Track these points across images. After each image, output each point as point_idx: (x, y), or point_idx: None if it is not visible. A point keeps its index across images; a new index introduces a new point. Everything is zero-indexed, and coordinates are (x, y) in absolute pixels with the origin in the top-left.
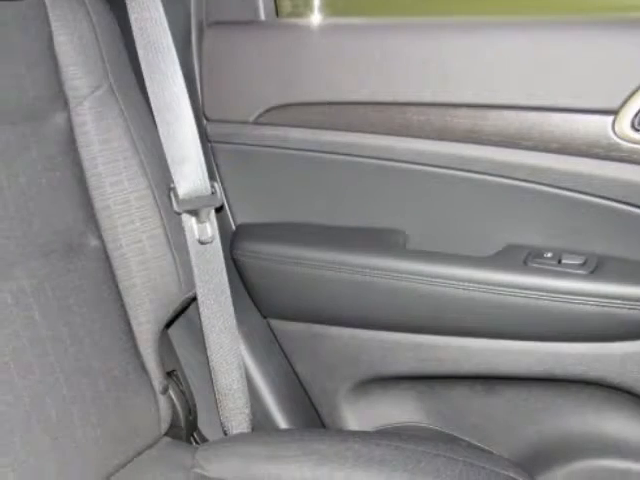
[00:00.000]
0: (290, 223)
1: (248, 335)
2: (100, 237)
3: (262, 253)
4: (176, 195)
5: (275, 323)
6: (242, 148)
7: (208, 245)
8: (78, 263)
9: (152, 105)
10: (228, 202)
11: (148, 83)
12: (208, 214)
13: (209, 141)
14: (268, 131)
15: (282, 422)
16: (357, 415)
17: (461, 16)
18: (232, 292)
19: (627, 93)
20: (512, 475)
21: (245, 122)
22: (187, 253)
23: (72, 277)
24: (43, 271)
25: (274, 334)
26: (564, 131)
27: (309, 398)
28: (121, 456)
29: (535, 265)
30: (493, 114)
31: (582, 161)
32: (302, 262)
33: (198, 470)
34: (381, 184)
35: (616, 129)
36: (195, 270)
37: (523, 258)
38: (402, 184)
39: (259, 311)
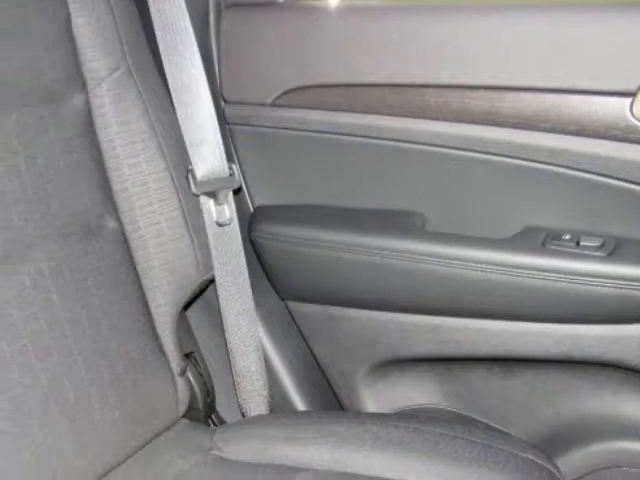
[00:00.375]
0: (308, 205)
1: (266, 317)
2: (118, 219)
3: (280, 235)
4: (194, 177)
5: (293, 305)
6: (260, 130)
7: (226, 227)
8: (96, 245)
9: (170, 87)
10: (246, 184)
11: (166, 65)
12: (226, 196)
13: (227, 123)
14: (286, 113)
15: (300, 404)
16: (375, 397)
17: None
18: (250, 274)
19: None
20: (530, 457)
21: (263, 104)
22: (205, 235)
23: (90, 259)
24: (61, 253)
25: (292, 316)
26: (582, 113)
27: (327, 380)
28: (139, 438)
29: (553, 247)
30: (511, 96)
31: (600, 143)
32: (320, 244)
33: (216, 452)
34: (399, 166)
35: (634, 111)
36: (213, 252)
37: (541, 240)
38: (420, 166)
39: (277, 293)
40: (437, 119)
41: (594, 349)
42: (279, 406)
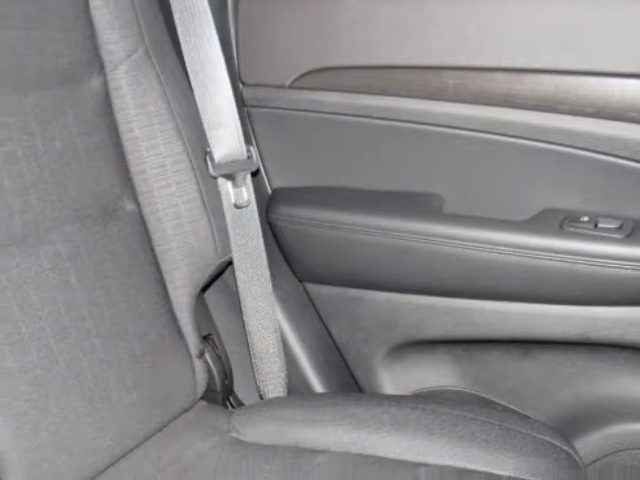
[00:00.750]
0: (326, 187)
1: (284, 299)
2: (136, 201)
3: (298, 217)
4: (212, 159)
5: (311, 287)
6: (278, 112)
7: (244, 209)
8: (114, 227)
9: (188, 69)
10: (264, 166)
11: (184, 47)
12: (244, 178)
13: (245, 105)
14: (304, 95)
15: (318, 386)
16: (393, 379)
17: None
18: (268, 256)
19: None
20: (548, 439)
21: (281, 86)
22: (223, 217)
23: (108, 242)
24: (79, 235)
25: (310, 298)
26: (600, 95)
27: (345, 362)
28: (157, 420)
29: (571, 229)
30: (529, 78)
31: (618, 125)
32: (338, 226)
33: (234, 434)
34: (417, 148)
35: None
36: (231, 234)
37: (559, 222)
38: (438, 148)
39: (295, 275)
40: (455, 101)
41: (612, 331)
42: (297, 388)
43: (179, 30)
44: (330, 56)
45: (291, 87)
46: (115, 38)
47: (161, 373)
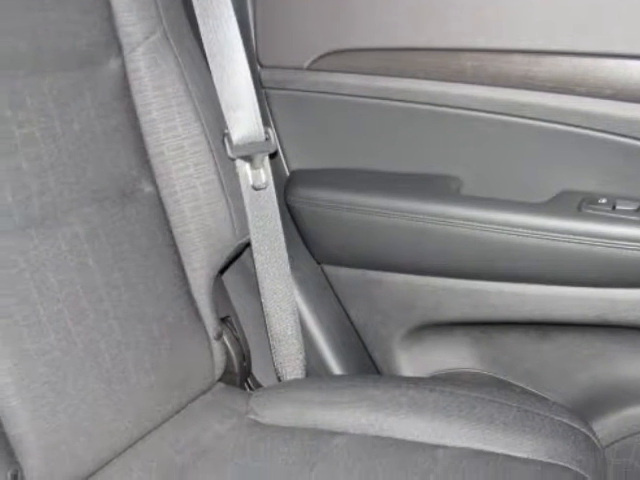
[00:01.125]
0: (344, 169)
1: (302, 281)
2: (154, 183)
3: (316, 199)
4: (230, 141)
5: (329, 269)
6: (296, 94)
7: (262, 191)
8: (132, 209)
9: (206, 51)
10: (282, 148)
11: (202, 29)
12: (262, 160)
13: (263, 87)
14: (322, 77)
15: (336, 368)
16: (411, 361)
17: None
18: (286, 238)
19: None
20: (566, 421)
21: (299, 68)
22: (241, 199)
23: (126, 223)
24: (97, 217)
25: (328, 280)
26: (618, 77)
27: (363, 344)
28: (175, 402)
29: (589, 211)
30: (547, 60)
31: (636, 107)
32: (356, 208)
33: (252, 416)
34: (435, 130)
35: None
36: (249, 216)
37: (577, 204)
38: (456, 130)
39: (313, 257)
40: (473, 83)
41: (630, 313)
42: (315, 370)
43: (197, 12)
44: (348, 38)
45: (309, 69)
46: (133, 20)
47: (179, 355)
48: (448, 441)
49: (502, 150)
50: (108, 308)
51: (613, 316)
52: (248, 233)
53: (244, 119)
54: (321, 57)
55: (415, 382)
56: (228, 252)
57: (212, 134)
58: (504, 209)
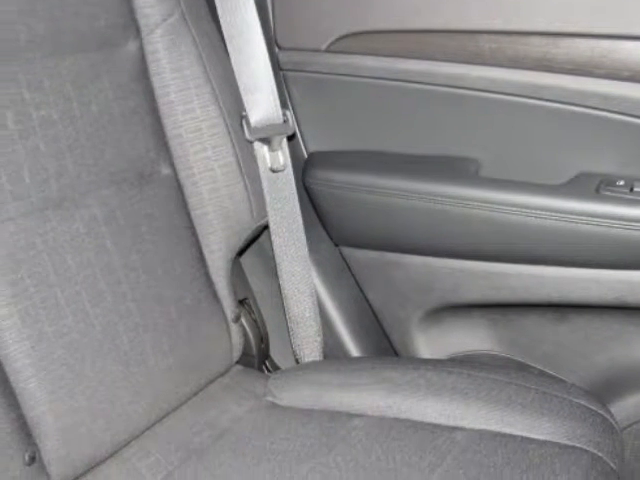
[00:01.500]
0: (362, 151)
1: (320, 263)
2: (172, 165)
3: (334, 181)
4: (248, 123)
5: (347, 251)
6: (314, 76)
7: (280, 173)
8: (150, 191)
9: (224, 33)
10: (300, 130)
11: (220, 11)
12: (280, 142)
13: (281, 69)
14: (340, 59)
15: (354, 350)
16: (429, 343)
17: None
18: (304, 220)
19: None
20: (584, 403)
21: (317, 50)
22: (259, 181)
23: (144, 205)
24: (115, 199)
25: (346, 262)
26: (636, 59)
27: (381, 326)
28: (193, 384)
29: (607, 193)
30: (565, 42)
31: None
32: (374, 190)
33: (270, 398)
34: (453, 112)
35: None
36: (267, 198)
37: (595, 186)
38: (474, 112)
39: (331, 239)
40: (491, 65)
41: None
42: (333, 352)
43: None
44: (366, 20)
45: (327, 51)
46: (151, 2)
47: (197, 337)
48: (466, 423)
49: (520, 132)
50: (126, 290)
51: (632, 298)
52: (266, 215)
53: (262, 101)
54: (339, 39)
55: (433, 364)
56: (246, 234)
57: (230, 116)
58: (522, 191)
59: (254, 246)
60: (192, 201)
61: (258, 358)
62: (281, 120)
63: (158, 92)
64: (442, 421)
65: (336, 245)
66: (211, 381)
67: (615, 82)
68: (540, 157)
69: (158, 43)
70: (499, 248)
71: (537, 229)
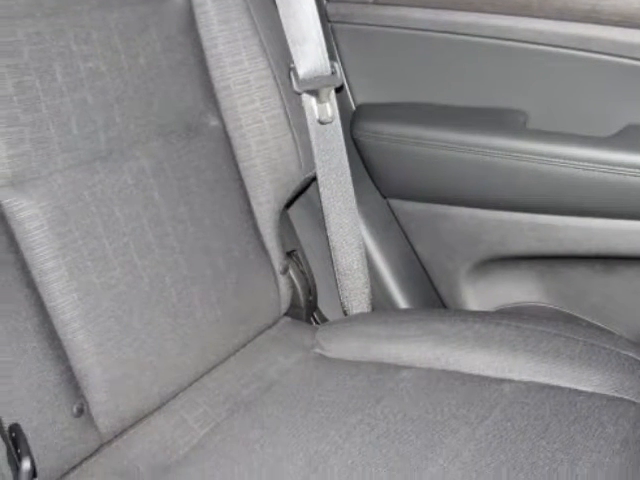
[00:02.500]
0: (410, 103)
1: (368, 215)
2: (220, 117)
3: (382, 133)
4: (296, 75)
5: (395, 203)
6: (362, 28)
7: (328, 125)
8: (198, 143)
9: None
10: (348, 82)
11: None
12: (328, 94)
13: (329, 21)
14: (388, 11)
15: (402, 302)
16: (477, 295)
17: None
18: (352, 172)
19: None
20: (632, 355)
21: (365, 2)
22: (307, 133)
23: (192, 157)
24: (163, 151)
25: (394, 214)
26: None
27: (429, 278)
28: (241, 336)
29: None
30: None
31: None
32: (422, 142)
33: (318, 350)
34: (501, 64)
35: None
36: (315, 150)
37: None
38: (522, 64)
39: (379, 191)
40: (540, 17)
41: None
42: (381, 304)
43: None
44: None
45: (375, 2)
46: None
47: (245, 289)
48: (514, 375)
49: (568, 84)
50: (174, 242)
51: None
52: (314, 167)
53: (310, 53)
54: None
55: (481, 316)
56: (294, 186)
57: (278, 68)
58: (570, 143)
59: (302, 198)
60: (240, 153)
61: (306, 310)
62: (329, 72)
63: (206, 44)
64: (490, 373)
65: (384, 197)
66: (259, 333)
67: None
68: (588, 109)
69: None
70: (547, 200)
71: (585, 181)
